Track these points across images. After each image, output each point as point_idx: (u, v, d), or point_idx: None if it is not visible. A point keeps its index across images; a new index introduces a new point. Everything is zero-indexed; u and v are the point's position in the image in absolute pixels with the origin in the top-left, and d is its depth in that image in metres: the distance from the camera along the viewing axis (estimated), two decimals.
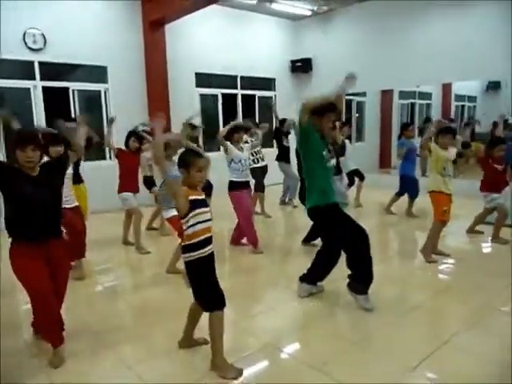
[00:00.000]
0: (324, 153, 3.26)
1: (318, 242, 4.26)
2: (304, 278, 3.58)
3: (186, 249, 2.43)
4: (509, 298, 3.48)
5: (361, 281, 3.29)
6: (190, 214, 2.36)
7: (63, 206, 3.60)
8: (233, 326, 3.13)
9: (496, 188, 5.03)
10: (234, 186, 4.83)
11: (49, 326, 2.71)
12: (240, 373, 2.48)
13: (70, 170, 4.02)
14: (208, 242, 2.46)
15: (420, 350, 2.68)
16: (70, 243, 4.18)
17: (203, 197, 2.48)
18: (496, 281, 3.87)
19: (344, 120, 7.32)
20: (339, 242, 3.36)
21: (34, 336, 3.03)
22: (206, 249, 2.44)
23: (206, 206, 2.47)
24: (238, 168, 4.80)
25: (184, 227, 2.40)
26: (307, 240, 5.01)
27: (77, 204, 4.24)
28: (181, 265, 3.94)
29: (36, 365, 2.70)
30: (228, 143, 4.76)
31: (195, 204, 2.37)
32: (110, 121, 5.26)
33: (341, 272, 3.45)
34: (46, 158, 3.76)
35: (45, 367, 2.65)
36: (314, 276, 3.57)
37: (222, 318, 2.46)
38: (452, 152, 4.33)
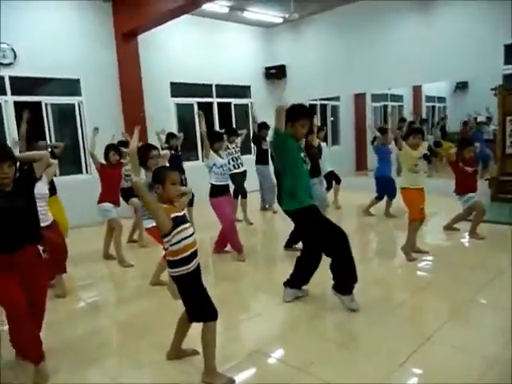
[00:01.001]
0: (301, 156, 3.35)
1: (300, 245, 4.30)
2: (288, 283, 3.62)
3: (172, 264, 2.44)
4: (489, 290, 3.60)
5: (345, 282, 3.35)
6: (173, 232, 2.36)
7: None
8: (219, 334, 3.12)
9: (470, 189, 5.15)
10: (215, 191, 4.84)
11: (26, 343, 2.65)
12: (231, 382, 2.48)
13: (45, 190, 3.97)
14: (194, 256, 2.47)
15: (405, 348, 2.74)
16: (50, 259, 4.11)
17: (183, 212, 2.49)
18: (475, 275, 3.99)
19: (320, 124, 7.44)
20: (320, 245, 3.41)
21: (16, 357, 2.95)
22: (192, 263, 2.45)
23: (187, 221, 2.49)
24: (220, 172, 4.85)
25: (168, 245, 2.40)
26: (289, 245, 5.05)
27: (52, 220, 4.12)
28: (165, 276, 3.94)
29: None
30: (210, 152, 4.84)
31: (177, 221, 2.38)
32: (95, 130, 5.24)
33: (325, 274, 3.49)
34: None
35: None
36: (297, 280, 3.60)
37: (215, 328, 2.48)
38: (421, 149, 4.48)
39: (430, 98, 11.26)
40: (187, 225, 2.45)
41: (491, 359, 2.56)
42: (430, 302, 3.57)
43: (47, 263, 4.14)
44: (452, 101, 11.08)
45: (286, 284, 3.62)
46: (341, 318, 3.28)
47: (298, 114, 3.30)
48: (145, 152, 4.13)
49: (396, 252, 4.73)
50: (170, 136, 6.72)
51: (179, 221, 2.39)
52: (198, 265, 2.52)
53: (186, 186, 6.55)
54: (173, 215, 2.37)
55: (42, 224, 3.75)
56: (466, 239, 5.22)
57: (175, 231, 2.37)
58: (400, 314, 3.31)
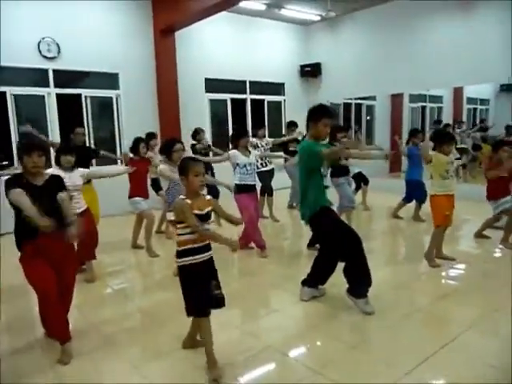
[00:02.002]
0: (321, 168, 3.42)
1: None
2: (305, 282, 3.65)
3: (179, 254, 2.52)
4: None
5: (358, 285, 3.36)
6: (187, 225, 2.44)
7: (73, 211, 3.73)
8: (236, 328, 3.21)
9: (503, 193, 4.99)
10: (238, 190, 4.91)
11: (54, 324, 2.85)
12: (220, 375, 2.52)
13: (79, 181, 4.17)
14: (203, 249, 2.52)
15: (417, 354, 2.71)
16: (81, 245, 4.32)
17: (206, 210, 2.52)
18: (502, 285, 3.86)
19: (346, 125, 7.43)
20: (334, 249, 3.45)
21: (44, 335, 3.14)
22: (201, 255, 2.51)
23: (208, 218, 2.54)
24: (244, 172, 4.88)
25: (179, 232, 2.49)
26: (311, 244, 5.06)
27: (86, 207, 4.33)
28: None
29: (46, 363, 2.80)
30: (232, 151, 4.90)
31: (196, 219, 2.45)
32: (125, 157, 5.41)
33: (342, 275, 3.48)
34: (55, 169, 3.93)
35: (54, 365, 2.76)
36: (314, 280, 3.63)
37: (207, 324, 2.54)
38: (451, 155, 4.38)
39: (471, 100, 10.89)
40: (205, 223, 2.51)
41: (508, 372, 2.49)
42: (450, 309, 3.50)
43: (78, 249, 4.38)
44: (496, 103, 10.67)
45: (303, 283, 3.66)
46: (355, 320, 3.27)
47: (320, 113, 3.38)
48: (169, 146, 4.23)
49: (421, 257, 4.63)
50: (197, 131, 6.83)
51: (197, 219, 2.46)
52: (208, 261, 2.57)
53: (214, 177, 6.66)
54: (194, 212, 2.45)
55: (76, 211, 3.96)
56: (496, 248, 5.04)
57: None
58: (417, 320, 3.27)
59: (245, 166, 4.89)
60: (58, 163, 4.13)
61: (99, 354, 2.90)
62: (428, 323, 3.31)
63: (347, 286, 3.42)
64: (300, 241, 5.68)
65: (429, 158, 4.30)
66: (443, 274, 4.28)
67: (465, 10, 7.83)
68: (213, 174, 6.83)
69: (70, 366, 2.75)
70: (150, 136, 6.20)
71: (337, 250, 3.43)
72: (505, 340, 2.89)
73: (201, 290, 2.52)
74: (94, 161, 6.61)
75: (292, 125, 7.44)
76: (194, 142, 6.57)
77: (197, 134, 6.73)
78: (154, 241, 5.44)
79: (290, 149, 7.36)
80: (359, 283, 3.35)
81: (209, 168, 6.45)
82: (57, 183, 2.95)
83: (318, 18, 9.87)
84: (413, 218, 6.49)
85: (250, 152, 5.06)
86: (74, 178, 4.12)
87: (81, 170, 4.35)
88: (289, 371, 2.65)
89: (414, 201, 6.48)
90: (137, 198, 5.23)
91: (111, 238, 5.73)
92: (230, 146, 5.14)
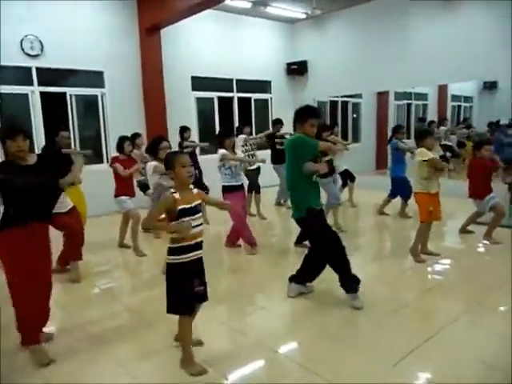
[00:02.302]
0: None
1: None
2: (293, 278, 3.68)
3: (170, 251, 2.52)
4: (497, 295, 3.57)
5: (347, 282, 3.42)
6: (175, 222, 2.44)
7: (58, 210, 3.69)
8: (224, 326, 3.22)
9: (488, 190, 4.99)
10: (225, 190, 4.91)
11: (29, 321, 2.81)
12: (202, 372, 2.56)
13: None
14: (194, 248, 2.51)
15: (404, 347, 2.76)
16: (67, 245, 4.27)
17: (194, 204, 2.51)
18: (484, 279, 3.95)
19: (332, 122, 7.50)
20: (320, 250, 3.53)
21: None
22: (191, 254, 2.50)
23: (196, 212, 2.51)
24: (228, 173, 4.86)
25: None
26: (299, 241, 5.10)
27: (72, 205, 4.26)
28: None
29: (31, 365, 2.77)
30: (222, 151, 4.83)
31: (183, 213, 2.44)
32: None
33: (330, 272, 3.52)
34: None
35: (39, 368, 2.72)
36: (303, 276, 3.67)
37: (186, 323, 2.57)
38: (434, 153, 4.42)
39: (455, 98, 11.05)
40: (194, 216, 2.48)
41: (489, 363, 2.56)
42: (435, 303, 3.57)
43: (64, 249, 4.33)
44: (479, 100, 10.84)
45: (291, 279, 3.69)
46: (343, 316, 3.31)
47: (306, 114, 3.44)
48: (155, 144, 4.20)
49: (407, 253, 4.69)
50: (184, 129, 6.84)
51: (185, 213, 2.45)
52: (197, 260, 2.56)
53: (200, 179, 6.66)
54: (180, 207, 2.43)
55: (61, 210, 3.92)
56: (480, 243, 5.13)
57: (178, 221, 2.43)
58: (403, 314, 3.32)
59: (230, 167, 4.86)
60: None
61: (86, 354, 2.88)
62: (413, 317, 3.35)
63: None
64: (288, 238, 5.70)
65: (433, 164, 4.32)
66: (428, 269, 4.34)
67: (449, 9, 7.94)
68: (200, 173, 6.83)
69: (56, 366, 2.73)
70: (136, 135, 6.22)
71: (322, 251, 3.50)
72: (487, 333, 2.96)
73: (185, 290, 2.52)
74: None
75: (278, 122, 7.48)
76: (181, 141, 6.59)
77: (184, 131, 6.76)
78: (141, 240, 5.41)
79: (277, 147, 7.39)
80: (347, 280, 3.42)
81: (196, 166, 6.46)
82: (47, 163, 2.91)
83: (304, 15, 9.90)
84: (399, 215, 6.56)
85: (235, 153, 5.04)
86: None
87: None
88: (277, 367, 2.67)
89: (400, 197, 6.56)
90: (123, 197, 5.19)
91: (98, 238, 5.69)
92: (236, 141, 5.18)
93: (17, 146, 2.68)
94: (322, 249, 3.49)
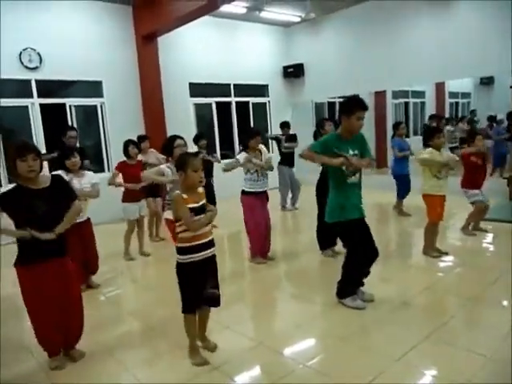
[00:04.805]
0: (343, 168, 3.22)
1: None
2: (342, 294, 3.47)
3: (178, 250, 2.57)
4: (499, 291, 3.60)
5: (350, 284, 3.41)
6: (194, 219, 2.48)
7: (79, 220, 3.63)
8: (228, 329, 3.25)
9: (475, 185, 5.03)
10: (245, 194, 4.64)
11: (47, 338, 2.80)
12: (203, 363, 2.67)
13: (88, 187, 4.14)
14: (203, 247, 2.56)
15: (406, 343, 2.80)
16: (84, 259, 4.17)
17: (201, 203, 2.55)
18: (484, 275, 3.97)
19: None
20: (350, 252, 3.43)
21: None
22: (200, 254, 2.55)
23: (202, 212, 2.54)
24: (254, 179, 4.51)
25: (179, 229, 2.52)
26: (323, 247, 4.86)
27: (87, 218, 4.22)
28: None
29: (37, 367, 2.83)
30: (241, 154, 4.55)
31: (193, 212, 2.48)
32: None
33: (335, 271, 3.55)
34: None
35: (47, 369, 2.79)
36: (351, 285, 3.47)
37: (191, 321, 2.67)
38: (447, 156, 4.43)
39: (453, 94, 11.08)
40: (201, 216, 2.52)
41: (488, 357, 2.59)
42: (438, 301, 3.59)
43: (80, 265, 4.12)
44: (477, 96, 10.87)
45: (342, 296, 3.47)
46: (346, 314, 3.34)
47: (353, 106, 3.19)
48: (170, 142, 3.98)
49: (408, 251, 4.72)
50: (198, 138, 6.63)
51: (193, 212, 2.49)
52: (208, 259, 2.61)
53: (212, 191, 6.36)
54: (190, 205, 2.48)
55: (79, 220, 3.80)
56: (483, 239, 5.14)
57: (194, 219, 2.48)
58: (405, 311, 3.35)
59: (256, 171, 4.50)
60: (62, 168, 4.01)
61: (92, 358, 2.91)
62: (414, 314, 3.37)
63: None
64: (293, 243, 5.74)
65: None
66: (430, 266, 4.36)
67: (445, 7, 7.97)
68: (212, 186, 6.51)
69: (62, 371, 2.78)
70: (142, 138, 6.10)
71: (352, 254, 3.38)
72: (485, 328, 3.01)
73: (193, 290, 2.58)
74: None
75: (285, 125, 7.58)
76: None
77: (198, 141, 6.54)
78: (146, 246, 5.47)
79: (282, 150, 7.47)
80: (352, 282, 3.41)
81: (210, 174, 6.27)
82: (62, 186, 2.75)
83: (298, 19, 9.97)
84: (396, 212, 6.59)
85: (261, 153, 4.60)
86: (82, 182, 4.10)
87: (91, 175, 4.25)
88: (278, 366, 2.70)
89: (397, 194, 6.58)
90: (127, 204, 5.24)
91: (100, 247, 5.69)
92: (238, 148, 4.84)
93: (28, 166, 2.50)
94: (355, 253, 3.37)
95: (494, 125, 9.01)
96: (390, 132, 8.49)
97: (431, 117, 8.50)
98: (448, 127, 9.21)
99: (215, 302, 2.70)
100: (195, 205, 2.51)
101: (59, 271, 2.69)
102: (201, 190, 2.63)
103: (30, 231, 2.47)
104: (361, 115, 3.17)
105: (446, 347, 2.76)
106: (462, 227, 5.25)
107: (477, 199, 5.04)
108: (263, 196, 4.69)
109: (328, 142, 3.27)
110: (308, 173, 7.58)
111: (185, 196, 2.49)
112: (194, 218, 2.48)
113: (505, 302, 3.37)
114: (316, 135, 4.96)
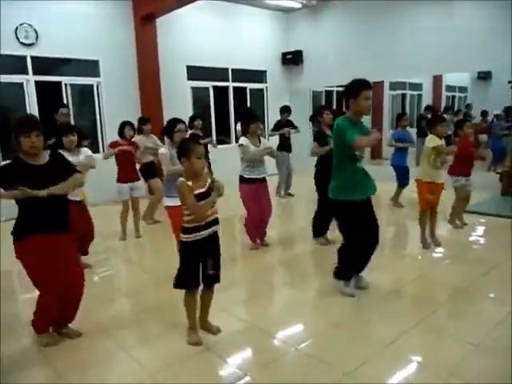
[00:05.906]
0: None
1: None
2: (340, 276, 3.51)
3: (184, 230, 2.60)
4: (487, 283, 3.67)
5: (347, 268, 3.45)
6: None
7: (74, 198, 3.64)
8: (223, 312, 3.29)
9: (461, 172, 5.05)
10: (243, 181, 4.58)
11: (44, 314, 2.81)
12: (197, 343, 2.72)
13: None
14: (208, 225, 2.59)
15: (395, 330, 2.86)
16: (78, 240, 4.17)
17: (206, 187, 2.57)
18: (473, 267, 4.04)
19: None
20: (348, 236, 3.43)
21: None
22: (204, 231, 2.58)
23: (209, 195, 2.56)
24: (250, 165, 4.48)
25: (186, 212, 2.55)
26: (317, 234, 4.89)
27: (80, 199, 4.12)
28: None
29: (34, 347, 2.85)
30: (242, 139, 4.50)
31: (200, 198, 2.52)
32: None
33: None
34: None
35: (44, 350, 2.80)
36: (349, 270, 3.49)
37: (189, 298, 2.71)
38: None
39: (450, 88, 11.08)
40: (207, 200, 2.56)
41: (475, 344, 2.66)
42: (428, 290, 3.65)
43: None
44: (474, 91, 10.88)
45: (339, 277, 3.51)
46: (338, 301, 3.39)
47: (358, 87, 3.18)
48: (171, 126, 3.86)
49: (400, 242, 4.78)
50: (193, 118, 6.76)
51: (200, 198, 2.52)
52: (212, 236, 2.64)
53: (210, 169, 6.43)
54: (196, 192, 2.50)
55: (76, 198, 3.85)
56: (474, 233, 5.23)
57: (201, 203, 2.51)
58: (395, 300, 3.42)
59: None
60: (60, 147, 3.95)
61: (89, 340, 2.93)
62: (405, 302, 3.44)
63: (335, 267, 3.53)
64: (289, 228, 5.78)
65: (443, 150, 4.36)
66: (420, 257, 4.44)
67: None
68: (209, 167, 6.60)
69: (58, 350, 2.80)
70: (144, 121, 6.05)
71: (351, 237, 3.39)
72: (471, 317, 3.09)
73: (193, 268, 2.62)
74: None
75: (286, 110, 7.57)
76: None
77: (193, 121, 6.65)
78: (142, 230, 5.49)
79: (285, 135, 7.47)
80: (344, 266, 3.44)
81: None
82: (61, 161, 2.76)
83: (299, 5, 9.88)
84: (392, 202, 6.65)
85: (260, 140, 4.57)
86: (80, 158, 4.10)
87: (86, 150, 4.27)
88: (272, 350, 2.75)
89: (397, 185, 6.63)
90: (119, 185, 5.22)
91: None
92: (237, 130, 4.74)
93: (31, 143, 2.49)
94: (345, 239, 3.42)
95: (495, 120, 9.04)
96: (386, 123, 8.54)
97: (427, 108, 8.51)
98: (446, 115, 9.24)
99: (214, 280, 2.74)
100: (201, 190, 2.53)
101: (62, 244, 2.69)
102: (205, 170, 2.64)
103: (24, 189, 2.41)
104: (367, 95, 3.17)
105: (434, 335, 2.84)
106: (449, 220, 5.30)
107: (459, 184, 5.06)
108: (262, 184, 4.62)
109: (349, 126, 3.21)
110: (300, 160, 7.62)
111: (189, 183, 2.50)
112: (200, 203, 2.51)
113: (491, 294, 3.46)
114: (313, 120, 4.96)
